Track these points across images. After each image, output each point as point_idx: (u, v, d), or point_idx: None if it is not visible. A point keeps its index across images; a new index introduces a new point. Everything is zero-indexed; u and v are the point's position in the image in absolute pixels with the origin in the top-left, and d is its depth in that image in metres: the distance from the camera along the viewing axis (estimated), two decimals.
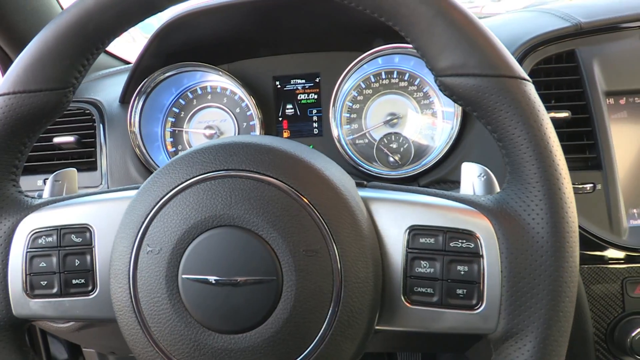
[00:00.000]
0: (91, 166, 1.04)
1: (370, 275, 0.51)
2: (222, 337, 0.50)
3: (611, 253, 0.83)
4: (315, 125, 1.05)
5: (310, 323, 0.49)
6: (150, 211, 0.52)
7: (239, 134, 1.06)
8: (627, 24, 0.92)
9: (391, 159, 0.99)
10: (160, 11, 0.58)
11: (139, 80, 1.01)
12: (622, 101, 0.89)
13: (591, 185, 0.84)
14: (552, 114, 0.85)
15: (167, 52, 1.00)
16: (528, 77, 0.53)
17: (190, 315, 0.50)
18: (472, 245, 0.52)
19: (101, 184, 1.03)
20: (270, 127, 1.05)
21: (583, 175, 0.85)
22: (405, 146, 1.00)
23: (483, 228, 0.52)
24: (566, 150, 0.86)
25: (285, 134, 1.05)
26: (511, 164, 0.52)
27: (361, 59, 0.96)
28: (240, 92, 1.04)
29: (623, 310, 0.84)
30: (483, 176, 0.60)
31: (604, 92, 0.88)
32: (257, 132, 1.02)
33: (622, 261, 0.83)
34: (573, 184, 0.82)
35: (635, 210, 0.86)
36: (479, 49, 0.51)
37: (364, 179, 0.96)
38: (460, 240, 0.52)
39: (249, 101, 1.02)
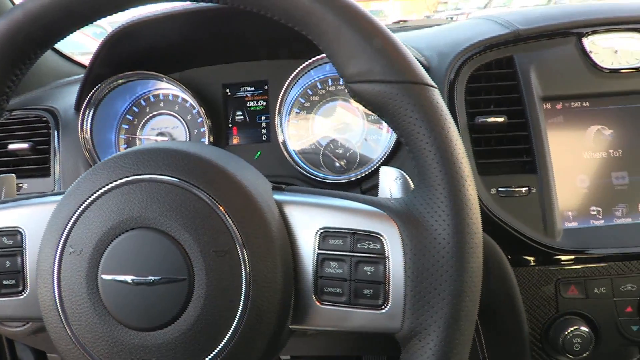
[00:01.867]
0: (45, 172, 1.06)
1: (278, 276, 0.53)
2: (138, 334, 0.52)
3: (545, 255, 0.85)
4: (264, 131, 1.06)
5: (220, 321, 0.51)
6: (74, 214, 0.54)
7: (189, 140, 1.08)
8: (564, 31, 0.94)
9: (337, 164, 1.01)
10: (91, 23, 0.60)
11: (92, 87, 1.03)
12: (559, 106, 0.91)
13: (526, 188, 0.86)
14: (492, 119, 0.87)
15: (117, 60, 1.02)
16: (433, 83, 0.55)
17: (108, 313, 0.52)
18: (378, 246, 0.54)
19: (54, 189, 1.04)
20: (220, 133, 1.06)
21: (519, 178, 0.87)
22: (350, 152, 1.01)
23: (389, 230, 0.54)
24: (503, 154, 0.89)
25: (235, 140, 1.07)
26: (417, 168, 0.54)
27: (307, 66, 0.97)
28: (191, 99, 1.05)
29: (557, 311, 0.86)
30: (399, 179, 0.62)
31: (541, 97, 0.89)
32: (207, 138, 1.03)
33: (556, 263, 0.85)
34: (509, 187, 0.85)
35: (570, 213, 0.88)
36: (384, 56, 0.53)
37: (309, 183, 0.98)
38: (367, 242, 0.54)
39: (199, 108, 1.03)
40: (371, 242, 0.54)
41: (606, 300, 0.85)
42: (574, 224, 0.87)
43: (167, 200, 0.53)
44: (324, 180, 0.97)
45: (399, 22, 1.64)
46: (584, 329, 0.83)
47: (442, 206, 0.52)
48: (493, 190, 0.86)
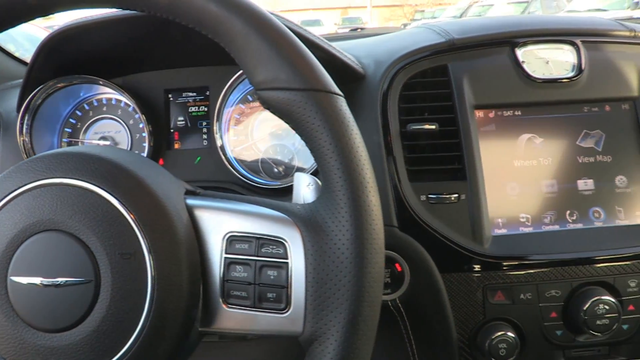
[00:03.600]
0: None
1: (184, 279, 0.54)
2: (45, 335, 0.52)
3: (473, 261, 0.86)
4: (204, 137, 1.06)
5: (126, 323, 0.52)
6: None
7: (132, 144, 1.07)
8: (498, 41, 0.96)
9: (275, 170, 1.01)
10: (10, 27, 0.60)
11: (32, 91, 1.02)
12: (491, 114, 0.92)
13: (456, 195, 0.87)
14: (424, 126, 0.89)
15: (57, 64, 1.01)
16: (338, 91, 0.56)
17: (16, 314, 0.52)
18: (282, 251, 0.55)
19: None
20: (161, 138, 1.06)
21: (449, 185, 0.88)
22: (289, 157, 1.02)
23: (292, 235, 0.55)
24: (434, 161, 0.90)
25: (177, 145, 1.07)
26: (322, 174, 0.55)
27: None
28: (133, 104, 1.05)
29: (484, 316, 0.87)
30: (312, 185, 0.63)
31: (473, 105, 0.91)
32: (147, 143, 1.03)
33: (484, 269, 0.86)
34: (440, 194, 0.86)
35: (500, 220, 0.89)
36: (289, 63, 0.54)
37: (248, 189, 0.98)
38: (271, 247, 0.55)
39: (140, 114, 1.03)
40: (275, 247, 0.55)
41: (532, 306, 0.87)
42: (503, 231, 0.89)
43: (76, 204, 0.53)
44: (262, 186, 0.97)
45: (356, 29, 1.66)
46: (510, 334, 0.85)
47: (342, 212, 0.54)
48: (423, 197, 0.87)
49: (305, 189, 0.64)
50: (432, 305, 0.87)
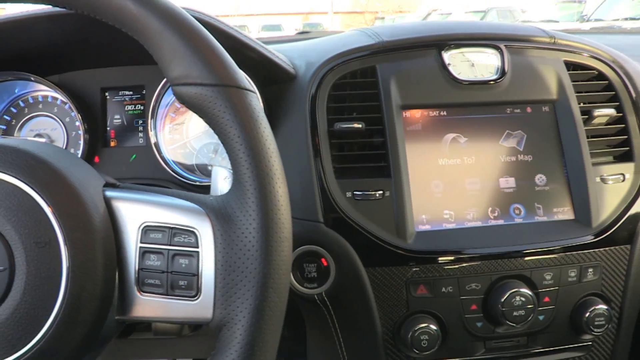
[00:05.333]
0: None
1: (99, 268, 0.55)
2: None
3: (396, 256, 0.89)
4: (140, 135, 1.07)
5: (40, 310, 0.53)
6: None
7: (68, 142, 1.08)
8: (425, 44, 0.99)
9: (210, 168, 1.03)
10: None
11: None
12: (418, 115, 0.95)
13: (380, 192, 0.90)
14: (350, 125, 0.91)
15: None
16: (248, 87, 0.59)
17: None
18: (193, 240, 0.57)
19: None
20: (97, 136, 1.07)
21: (374, 183, 0.91)
22: (224, 155, 1.03)
23: (203, 225, 0.57)
24: (360, 159, 0.92)
25: (113, 143, 1.08)
26: (232, 166, 0.57)
27: None
28: (69, 102, 1.06)
29: (407, 309, 0.90)
30: (227, 178, 0.65)
31: (400, 105, 0.94)
32: (82, 141, 1.04)
33: (407, 263, 0.89)
34: (365, 191, 0.88)
35: (424, 216, 0.92)
36: (201, 60, 0.57)
37: (183, 187, 0.99)
38: (183, 236, 0.58)
39: (76, 112, 1.04)
40: (186, 237, 0.58)
41: (453, 299, 0.90)
42: (427, 227, 0.92)
43: None
44: (196, 184, 0.99)
45: (302, 32, 1.68)
46: (433, 326, 0.88)
47: (249, 202, 0.56)
48: (349, 194, 0.90)
49: (222, 181, 0.66)
50: (358, 298, 0.89)
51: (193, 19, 0.59)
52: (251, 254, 0.55)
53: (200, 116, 0.58)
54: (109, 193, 0.60)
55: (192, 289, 0.57)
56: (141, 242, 0.58)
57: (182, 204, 0.59)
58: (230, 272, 0.55)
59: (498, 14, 10.97)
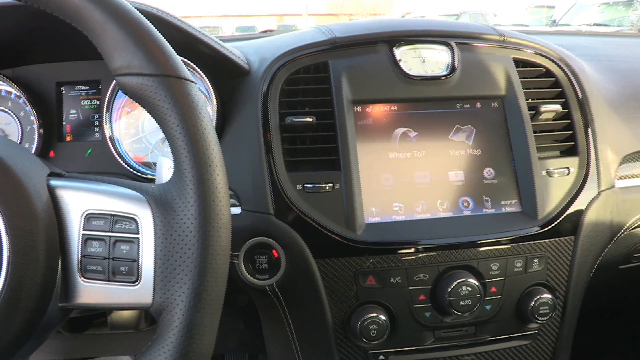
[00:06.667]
0: None
1: (40, 255, 0.56)
2: None
3: (346, 248, 0.90)
4: (96, 129, 1.07)
5: None
6: None
7: (22, 136, 1.07)
8: (377, 40, 1.01)
9: None
10: None
11: None
12: (369, 109, 0.97)
13: (330, 185, 0.91)
14: (301, 119, 0.92)
15: None
16: (188, 77, 0.60)
17: None
18: (134, 227, 0.59)
19: None
20: (52, 130, 1.07)
21: (325, 175, 0.92)
22: None
23: (144, 212, 0.59)
24: (311, 152, 0.94)
25: (68, 138, 1.08)
26: (173, 155, 0.59)
27: None
28: (24, 96, 1.05)
29: (357, 300, 0.91)
30: (171, 168, 0.66)
31: (351, 100, 0.96)
32: (37, 135, 1.04)
33: (356, 254, 0.91)
34: (316, 183, 0.90)
35: (374, 209, 0.94)
36: (143, 50, 0.58)
37: (137, 180, 1.00)
38: (124, 223, 0.59)
39: (30, 106, 1.03)
40: (127, 223, 0.59)
41: (402, 290, 0.92)
42: (376, 219, 0.94)
43: None
44: (151, 178, 0.99)
45: (265, 31, 1.70)
46: (382, 316, 0.90)
47: (188, 189, 0.58)
48: (299, 186, 0.91)
49: (166, 171, 0.67)
50: (308, 289, 0.91)
51: (135, 10, 0.60)
52: (189, 240, 0.56)
53: (143, 106, 0.60)
54: (53, 182, 0.61)
55: (133, 275, 0.58)
56: (84, 230, 0.59)
57: (124, 192, 0.61)
58: (169, 258, 0.57)
59: (470, 18, 11.19)
